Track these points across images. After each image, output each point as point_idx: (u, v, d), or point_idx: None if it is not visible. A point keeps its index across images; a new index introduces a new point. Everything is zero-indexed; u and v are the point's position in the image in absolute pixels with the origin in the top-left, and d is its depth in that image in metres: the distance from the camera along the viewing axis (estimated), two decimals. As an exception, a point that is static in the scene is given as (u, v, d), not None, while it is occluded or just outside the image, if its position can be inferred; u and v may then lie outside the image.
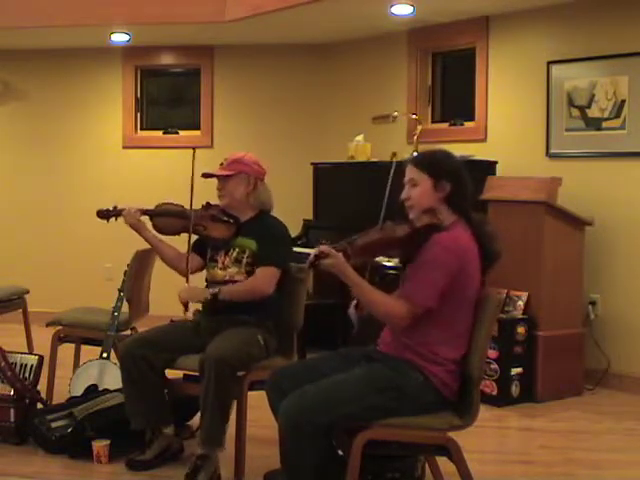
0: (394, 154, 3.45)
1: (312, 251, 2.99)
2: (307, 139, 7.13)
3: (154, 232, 4.03)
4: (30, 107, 7.38)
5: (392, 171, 3.26)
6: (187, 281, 3.88)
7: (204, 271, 4.04)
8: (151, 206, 4.08)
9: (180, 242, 4.02)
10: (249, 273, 3.84)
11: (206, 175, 3.95)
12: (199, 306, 3.96)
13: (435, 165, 3.11)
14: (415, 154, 3.23)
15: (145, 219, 4.04)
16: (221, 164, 4.00)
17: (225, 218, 3.96)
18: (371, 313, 3.12)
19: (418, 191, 3.10)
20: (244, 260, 3.86)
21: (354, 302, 3.24)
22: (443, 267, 2.97)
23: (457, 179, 3.10)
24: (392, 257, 3.32)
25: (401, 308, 2.99)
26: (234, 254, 3.89)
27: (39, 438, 3.97)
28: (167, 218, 4.02)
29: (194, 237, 4.00)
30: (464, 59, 6.23)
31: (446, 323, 3.03)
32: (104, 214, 4.09)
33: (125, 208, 4.02)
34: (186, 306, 3.79)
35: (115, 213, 4.06)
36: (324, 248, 2.96)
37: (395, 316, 3.01)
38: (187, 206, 3.92)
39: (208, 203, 4.03)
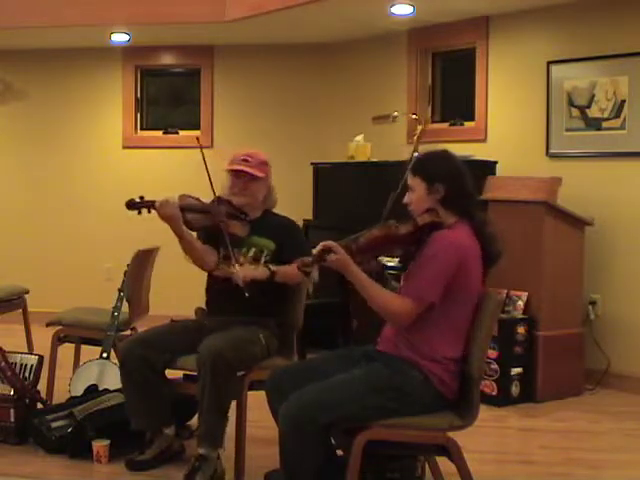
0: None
1: (317, 247, 2.99)
2: (307, 139, 7.13)
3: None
4: (30, 107, 7.37)
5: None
6: (236, 264, 3.66)
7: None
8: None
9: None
10: None
11: (237, 171, 3.81)
12: (202, 303, 3.94)
13: (428, 169, 3.15)
14: (416, 155, 3.22)
15: None
16: (244, 160, 3.81)
17: (239, 215, 3.83)
18: (374, 310, 3.10)
19: (415, 196, 3.16)
20: (262, 259, 3.80)
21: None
22: (443, 263, 2.99)
23: (451, 181, 3.11)
24: (395, 255, 3.30)
25: (405, 305, 3.01)
26: (251, 253, 3.83)
27: (39, 438, 3.97)
28: (194, 213, 3.80)
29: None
30: (464, 59, 6.22)
31: (447, 321, 3.03)
32: (135, 205, 3.72)
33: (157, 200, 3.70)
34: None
35: (148, 204, 3.72)
36: (329, 243, 2.97)
37: (399, 314, 3.02)
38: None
39: (219, 198, 3.86)
